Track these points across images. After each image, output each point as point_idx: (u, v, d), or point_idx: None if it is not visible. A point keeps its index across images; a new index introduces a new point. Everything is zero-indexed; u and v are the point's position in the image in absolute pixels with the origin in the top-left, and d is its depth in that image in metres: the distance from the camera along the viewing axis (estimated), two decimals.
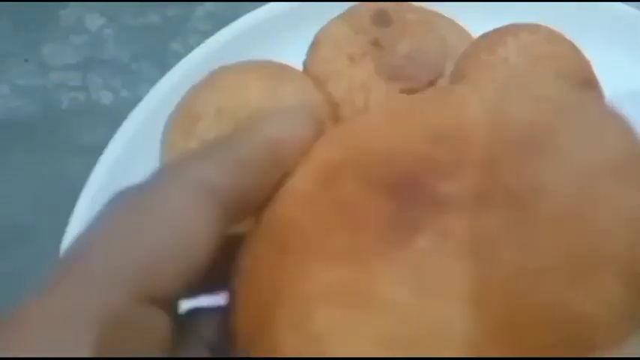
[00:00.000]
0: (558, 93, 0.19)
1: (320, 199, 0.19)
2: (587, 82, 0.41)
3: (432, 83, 0.43)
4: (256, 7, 0.51)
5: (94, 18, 0.56)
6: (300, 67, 0.47)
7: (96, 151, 0.46)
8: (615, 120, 0.19)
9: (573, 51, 0.41)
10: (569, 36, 0.42)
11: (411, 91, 0.43)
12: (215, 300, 0.22)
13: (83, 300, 0.16)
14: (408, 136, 0.19)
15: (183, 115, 0.44)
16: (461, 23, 0.48)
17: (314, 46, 0.47)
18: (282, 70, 0.44)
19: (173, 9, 0.56)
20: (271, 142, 0.20)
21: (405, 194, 0.18)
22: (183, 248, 0.17)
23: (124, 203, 0.18)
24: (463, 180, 0.17)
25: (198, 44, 0.50)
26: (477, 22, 0.46)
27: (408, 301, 0.16)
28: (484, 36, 0.41)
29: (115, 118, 0.48)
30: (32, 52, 0.54)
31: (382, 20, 0.45)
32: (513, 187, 0.17)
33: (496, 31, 0.40)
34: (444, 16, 0.47)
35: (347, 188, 0.19)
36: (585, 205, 0.16)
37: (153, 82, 0.49)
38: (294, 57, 0.47)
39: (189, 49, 0.51)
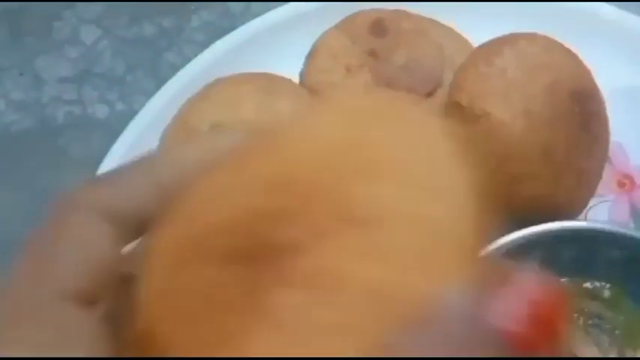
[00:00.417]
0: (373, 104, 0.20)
1: (173, 289, 0.19)
2: (587, 91, 0.41)
3: (430, 94, 0.43)
4: (252, 17, 0.51)
5: (88, 29, 0.55)
6: (296, 77, 0.46)
7: (91, 165, 0.45)
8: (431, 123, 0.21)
9: (571, 59, 0.41)
10: (568, 43, 0.41)
11: None
12: None
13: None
14: (238, 199, 0.19)
15: (179, 128, 0.43)
16: (458, 30, 0.47)
17: (310, 56, 0.46)
18: (276, 82, 0.44)
19: (168, 19, 0.55)
20: (188, 170, 0.22)
21: (251, 255, 0.18)
22: (89, 260, 0.21)
23: (35, 241, 0.22)
24: (300, 221, 0.18)
25: (194, 55, 0.50)
26: (475, 29, 0.45)
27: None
28: (482, 46, 0.40)
29: (110, 131, 0.47)
30: (27, 65, 0.54)
31: (379, 30, 0.44)
32: (344, 214, 0.18)
33: (494, 41, 0.40)
34: (440, 24, 0.47)
35: (197, 270, 0.19)
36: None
37: (148, 93, 0.49)
38: (290, 68, 0.46)
39: (185, 59, 0.51)
